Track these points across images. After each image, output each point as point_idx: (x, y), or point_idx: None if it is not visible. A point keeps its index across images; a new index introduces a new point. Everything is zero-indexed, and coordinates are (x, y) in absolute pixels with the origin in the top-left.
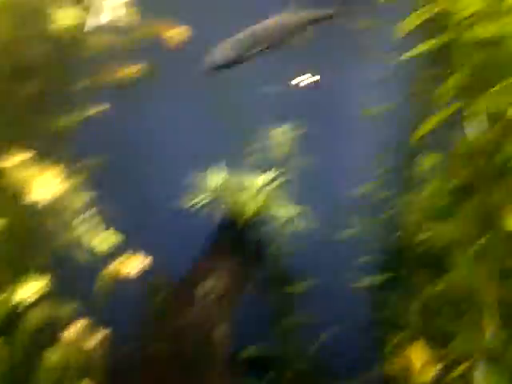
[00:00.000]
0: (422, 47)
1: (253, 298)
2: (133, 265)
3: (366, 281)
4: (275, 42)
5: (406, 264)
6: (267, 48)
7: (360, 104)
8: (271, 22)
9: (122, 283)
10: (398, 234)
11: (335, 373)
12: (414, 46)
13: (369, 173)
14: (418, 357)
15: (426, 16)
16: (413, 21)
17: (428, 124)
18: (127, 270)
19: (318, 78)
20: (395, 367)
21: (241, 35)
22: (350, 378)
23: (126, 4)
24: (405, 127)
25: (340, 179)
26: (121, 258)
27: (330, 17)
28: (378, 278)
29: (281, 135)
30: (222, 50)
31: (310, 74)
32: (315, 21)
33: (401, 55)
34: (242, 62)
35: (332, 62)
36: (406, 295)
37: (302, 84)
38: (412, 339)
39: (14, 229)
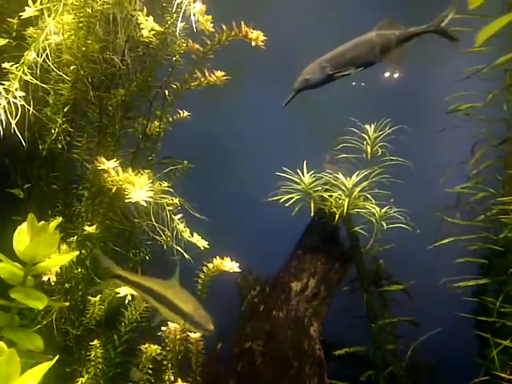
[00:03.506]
0: None
1: (346, 296)
2: (228, 263)
3: (464, 283)
4: (368, 61)
5: (508, 267)
6: (360, 67)
7: (454, 98)
8: (363, 39)
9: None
10: (499, 235)
11: (432, 375)
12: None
13: (465, 170)
14: None
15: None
16: (493, 28)
17: None
18: (226, 268)
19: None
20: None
21: (331, 54)
22: (449, 380)
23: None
24: (500, 123)
25: (435, 177)
26: (214, 257)
27: (430, 32)
28: (476, 281)
29: (372, 132)
30: (313, 70)
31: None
32: (411, 37)
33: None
34: (332, 81)
35: (423, 54)
36: (509, 299)
37: (392, 78)
38: None
39: (112, 229)
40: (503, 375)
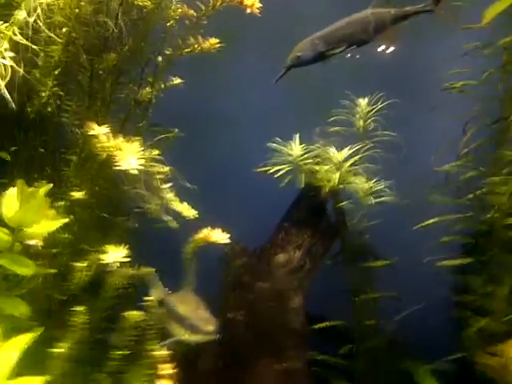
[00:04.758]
0: None
1: (330, 271)
2: (217, 233)
3: (448, 261)
4: (361, 39)
5: (492, 247)
6: (352, 45)
7: (447, 76)
8: (358, 17)
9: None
10: (486, 215)
11: (411, 351)
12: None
13: (455, 149)
14: None
15: None
16: (501, 5)
17: None
18: (213, 239)
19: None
20: (489, 360)
21: (324, 31)
22: (427, 357)
23: None
24: (495, 101)
25: (424, 155)
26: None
27: (426, 12)
28: (461, 260)
29: (364, 106)
30: (305, 47)
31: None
32: (407, 16)
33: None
34: (325, 59)
35: (417, 31)
36: (491, 279)
37: (384, 54)
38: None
39: (100, 195)
40: (482, 353)
